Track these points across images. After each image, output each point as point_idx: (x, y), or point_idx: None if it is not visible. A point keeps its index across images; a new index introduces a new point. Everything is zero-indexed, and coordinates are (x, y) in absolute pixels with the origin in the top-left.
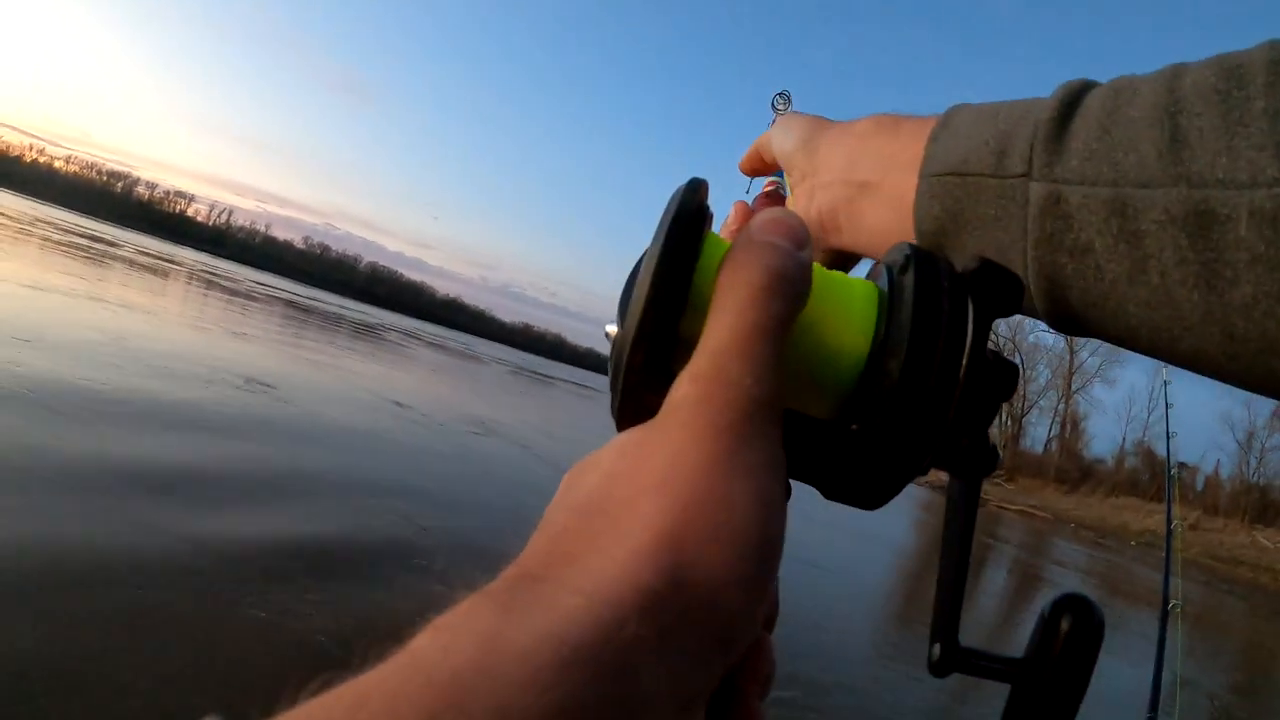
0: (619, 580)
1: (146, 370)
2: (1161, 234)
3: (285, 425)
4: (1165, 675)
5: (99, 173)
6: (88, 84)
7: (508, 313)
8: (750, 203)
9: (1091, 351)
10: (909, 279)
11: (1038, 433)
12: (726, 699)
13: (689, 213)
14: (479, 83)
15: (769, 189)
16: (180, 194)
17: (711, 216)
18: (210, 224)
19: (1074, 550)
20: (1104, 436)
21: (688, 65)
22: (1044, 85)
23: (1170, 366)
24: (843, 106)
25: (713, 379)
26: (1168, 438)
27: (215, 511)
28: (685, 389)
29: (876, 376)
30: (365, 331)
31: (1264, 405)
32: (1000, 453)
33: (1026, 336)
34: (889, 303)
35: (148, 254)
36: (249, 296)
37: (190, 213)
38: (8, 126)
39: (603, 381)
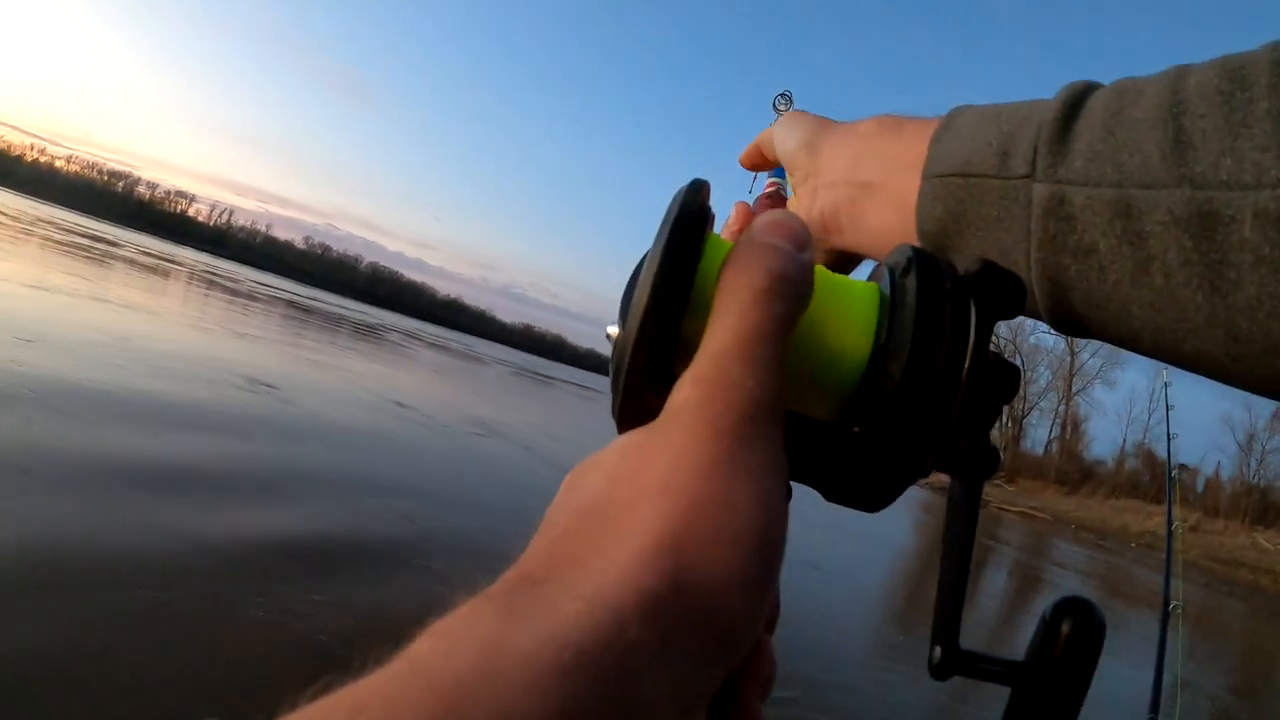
0: (620, 584)
1: (149, 370)
2: (1165, 235)
3: (287, 425)
4: (1166, 677)
5: (100, 172)
6: (89, 83)
7: (509, 313)
8: (751, 203)
9: (1092, 353)
10: (911, 281)
11: (1038, 434)
12: (727, 701)
13: (691, 214)
14: (479, 83)
15: (770, 190)
16: (181, 194)
17: (713, 218)
18: (211, 224)
19: (1074, 552)
20: (1104, 438)
21: (688, 65)
22: (1043, 85)
23: (1171, 368)
24: (842, 107)
25: (714, 381)
26: (1168, 439)
27: (217, 511)
28: (687, 391)
29: (878, 379)
30: (366, 332)
31: (1264, 407)
32: (1001, 454)
33: (1027, 338)
34: (891, 305)
35: (149, 254)
36: (250, 297)
37: (191, 213)
38: (9, 126)
39: (603, 382)
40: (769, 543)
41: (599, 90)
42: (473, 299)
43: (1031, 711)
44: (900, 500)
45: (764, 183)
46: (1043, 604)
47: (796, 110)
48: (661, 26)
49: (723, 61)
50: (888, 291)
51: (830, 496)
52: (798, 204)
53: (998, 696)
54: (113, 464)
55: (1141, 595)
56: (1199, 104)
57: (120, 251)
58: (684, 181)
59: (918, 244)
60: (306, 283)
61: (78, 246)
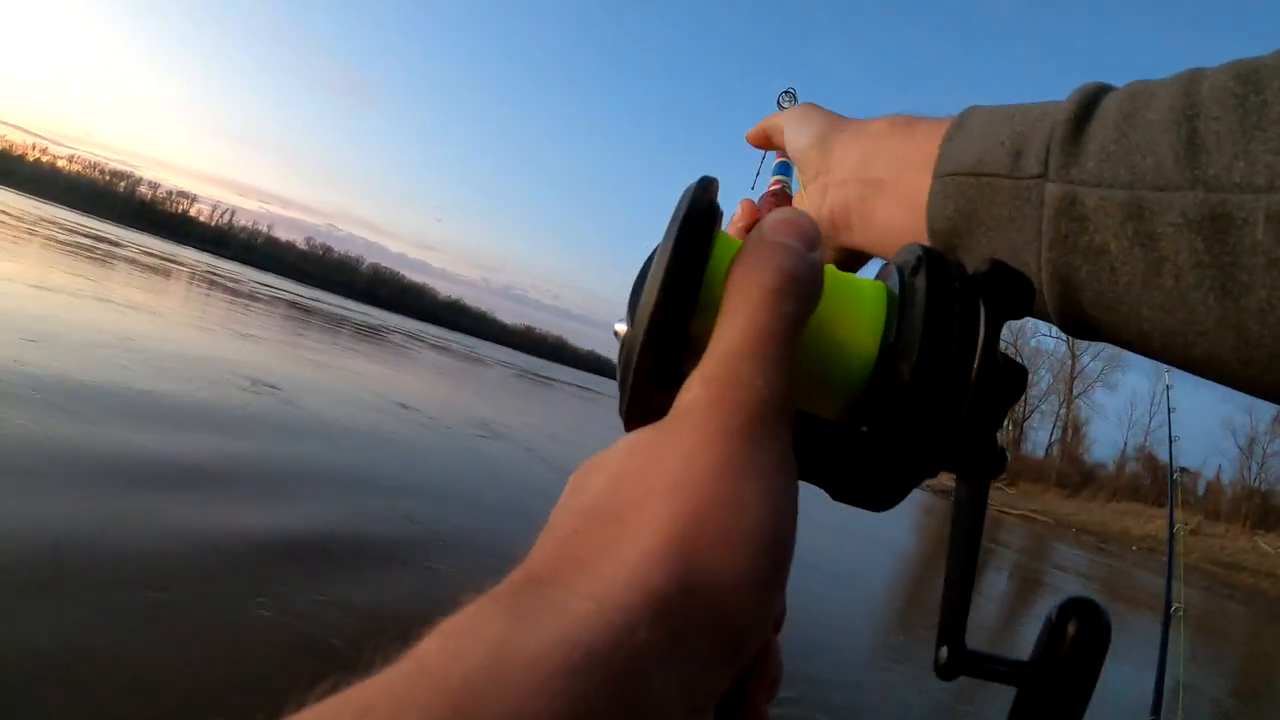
0: (630, 585)
1: (153, 371)
2: (1177, 237)
3: (290, 426)
4: (1167, 679)
5: (102, 172)
6: (90, 82)
7: (510, 315)
8: (756, 200)
9: (1093, 356)
10: (920, 280)
11: (1039, 437)
12: (735, 701)
13: (700, 212)
14: (479, 83)
15: (775, 187)
16: (183, 194)
17: (721, 215)
18: (213, 224)
19: (1075, 555)
20: (1105, 441)
21: (688, 65)
22: (1043, 85)
23: (1174, 371)
24: (842, 107)
25: (724, 381)
26: (1170, 442)
27: (220, 511)
28: (696, 391)
29: (887, 378)
30: (369, 333)
31: (1265, 410)
32: (1007, 455)
33: (1028, 341)
34: (900, 304)
35: (151, 254)
36: (252, 297)
37: (193, 213)
38: (12, 126)
39: (604, 384)
40: (778, 543)
41: (599, 90)
42: (474, 300)
43: (1037, 712)
44: (900, 502)
45: (768, 177)
46: (1044, 607)
47: (808, 104)
48: (662, 26)
49: (723, 61)
50: (896, 291)
51: (837, 496)
52: (808, 200)
53: (998, 697)
54: (115, 463)
55: (1143, 598)
56: (1212, 107)
57: (122, 251)
58: (684, 182)
59: (927, 243)
60: (308, 283)
61: (80, 246)
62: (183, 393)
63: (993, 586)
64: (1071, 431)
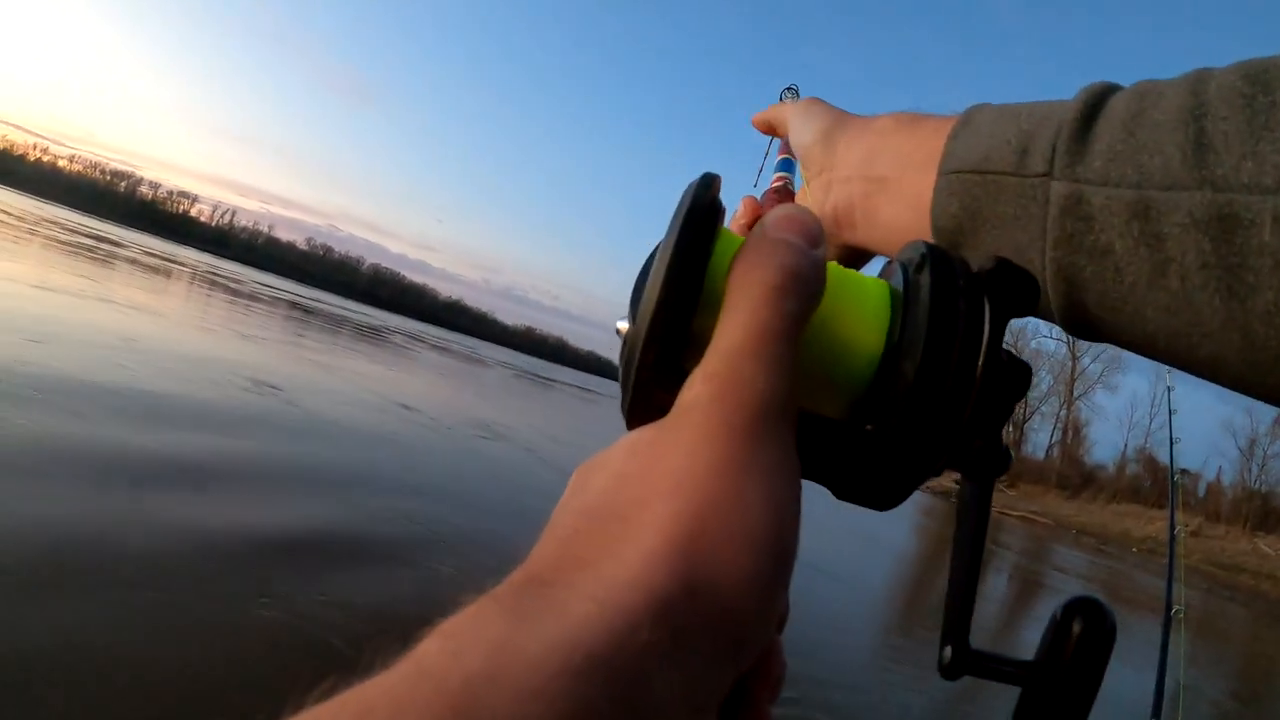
0: (632, 585)
1: (155, 372)
2: (1184, 237)
3: (291, 427)
4: (1168, 681)
5: (103, 172)
6: (91, 82)
7: (510, 315)
8: (758, 197)
9: (1094, 358)
10: (925, 278)
11: (1039, 439)
12: (738, 701)
13: (703, 208)
14: (479, 83)
15: (777, 184)
16: (184, 194)
17: (724, 212)
18: (214, 224)
19: (1075, 557)
20: (1106, 443)
21: (688, 65)
22: (1043, 85)
23: (1174, 373)
24: (842, 106)
25: (726, 379)
26: (1171, 444)
27: (222, 511)
28: (698, 389)
29: (891, 377)
30: (370, 334)
31: (1266, 412)
32: (1012, 454)
33: (1028, 343)
34: (904, 302)
35: (153, 254)
36: (253, 298)
37: (194, 213)
38: (13, 126)
39: (605, 385)
40: (781, 543)
41: (599, 90)
42: (474, 301)
43: (1042, 712)
44: (905, 501)
45: (770, 173)
46: (1044, 609)
47: (813, 99)
48: (662, 27)
49: (722, 61)
50: (900, 288)
51: (841, 495)
52: (811, 197)
53: (998, 697)
54: (117, 463)
55: (1143, 600)
56: (1220, 107)
57: (124, 252)
58: (684, 182)
59: (932, 240)
60: (309, 284)
61: (82, 247)
62: (185, 393)
63: (993, 588)
64: (1072, 433)
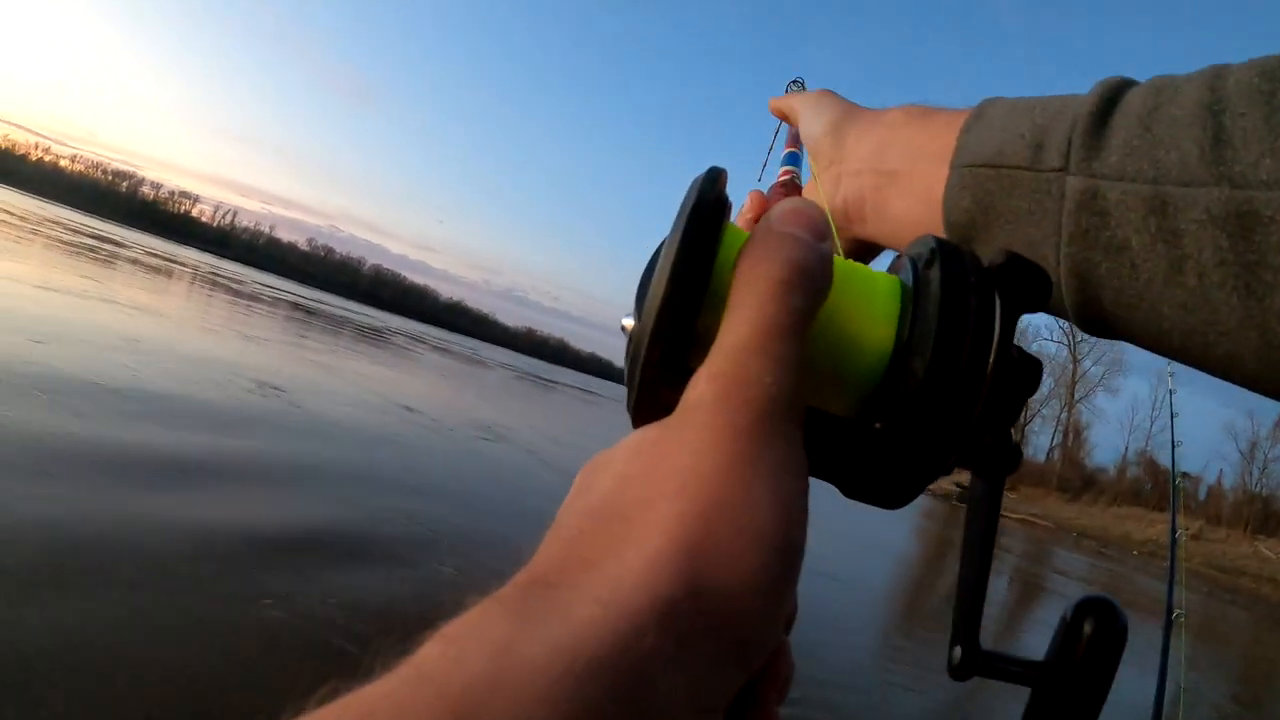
0: (637, 588)
1: (158, 373)
2: (1201, 234)
3: (294, 427)
4: (1168, 685)
5: (105, 172)
6: (92, 82)
7: (511, 317)
8: (766, 191)
9: (1095, 360)
10: (934, 273)
11: (1040, 441)
12: (744, 703)
13: (708, 203)
14: (479, 83)
15: (784, 178)
16: (185, 194)
17: (730, 206)
18: (215, 225)
19: (1076, 559)
20: (1106, 445)
21: (688, 65)
22: (1043, 85)
23: (1175, 375)
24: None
25: (731, 377)
26: (1173, 447)
27: (225, 512)
28: (703, 388)
29: (901, 374)
30: (371, 335)
31: (1267, 415)
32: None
33: (1029, 344)
34: (914, 297)
35: (154, 254)
36: (255, 298)
37: (195, 213)
38: (15, 125)
39: (606, 387)
40: (788, 544)
41: (599, 90)
42: (475, 302)
43: (1052, 712)
44: (914, 499)
45: (776, 163)
46: (1044, 612)
47: (824, 90)
48: (662, 27)
49: (722, 61)
50: (909, 284)
51: (849, 493)
52: (821, 190)
53: (998, 697)
54: (118, 463)
55: (1144, 603)
56: (1239, 103)
57: (126, 252)
58: (684, 182)
59: (943, 235)
60: (310, 285)
61: (85, 247)
62: (187, 394)
63: (994, 591)
64: (1073, 436)
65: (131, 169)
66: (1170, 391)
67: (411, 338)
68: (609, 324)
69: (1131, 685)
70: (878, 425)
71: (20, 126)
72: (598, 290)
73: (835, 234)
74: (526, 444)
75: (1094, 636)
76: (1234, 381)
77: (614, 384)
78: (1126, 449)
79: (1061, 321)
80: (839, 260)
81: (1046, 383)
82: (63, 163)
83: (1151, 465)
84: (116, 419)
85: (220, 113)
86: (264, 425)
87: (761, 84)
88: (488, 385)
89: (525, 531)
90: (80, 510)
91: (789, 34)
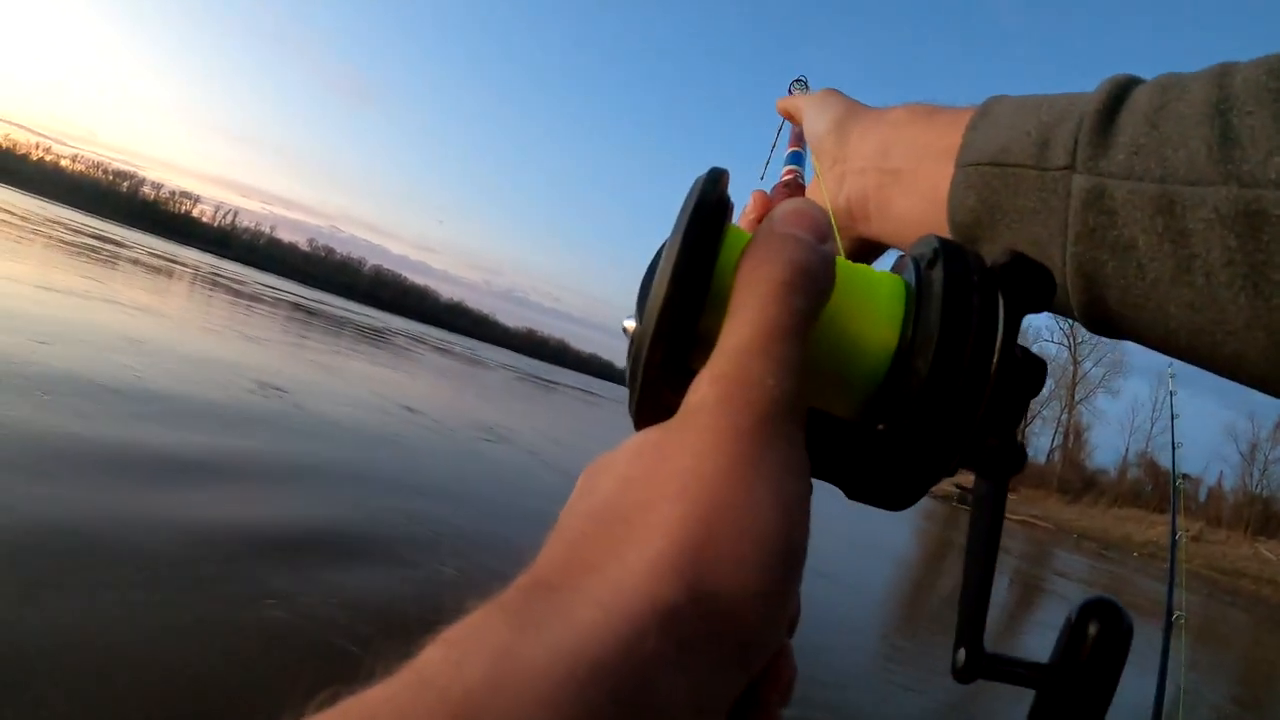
0: (638, 592)
1: (160, 372)
2: (1209, 233)
3: (295, 428)
4: (1169, 687)
5: (105, 172)
6: (92, 82)
7: (511, 317)
8: (769, 191)
9: (1095, 362)
10: (937, 273)
11: (1040, 443)
12: (747, 705)
13: (710, 204)
14: (479, 83)
15: (787, 178)
16: (186, 194)
17: (732, 207)
18: (215, 225)
19: (1077, 561)
20: (1107, 447)
21: (688, 65)
22: (1043, 85)
23: (1175, 377)
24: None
25: (733, 379)
26: (1173, 448)
27: (226, 512)
28: (705, 390)
29: (904, 375)
30: (372, 335)
31: (1267, 417)
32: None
33: (1030, 346)
34: (917, 298)
35: (156, 255)
36: (256, 299)
37: (195, 213)
38: (15, 125)
39: (607, 388)
40: (790, 547)
41: (599, 90)
42: (476, 303)
43: (1057, 715)
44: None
45: (779, 162)
46: (1045, 614)
47: (828, 89)
48: (662, 27)
49: (722, 61)
50: (912, 284)
51: (853, 495)
52: (825, 189)
53: (998, 698)
54: (119, 463)
55: (1144, 605)
56: (1247, 101)
57: (128, 252)
58: (684, 182)
59: (947, 234)
60: (311, 285)
61: (86, 247)
62: (189, 394)
63: (994, 592)
64: (1073, 437)
65: (132, 169)
66: (1171, 393)
67: (412, 338)
68: (610, 325)
69: (1131, 686)
70: (881, 427)
71: (21, 126)
72: (598, 291)
73: (838, 234)
74: (528, 445)
75: (1099, 638)
76: (1241, 381)
77: (615, 385)
78: (1127, 450)
79: (1062, 322)
80: (841, 261)
81: (1047, 384)
82: (63, 163)
83: (1152, 467)
84: (118, 419)
85: (220, 113)
86: (265, 425)
87: (762, 84)
88: (489, 386)
89: (526, 532)
90: (81, 510)
91: (789, 34)
